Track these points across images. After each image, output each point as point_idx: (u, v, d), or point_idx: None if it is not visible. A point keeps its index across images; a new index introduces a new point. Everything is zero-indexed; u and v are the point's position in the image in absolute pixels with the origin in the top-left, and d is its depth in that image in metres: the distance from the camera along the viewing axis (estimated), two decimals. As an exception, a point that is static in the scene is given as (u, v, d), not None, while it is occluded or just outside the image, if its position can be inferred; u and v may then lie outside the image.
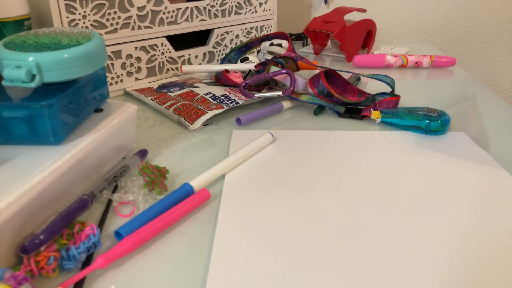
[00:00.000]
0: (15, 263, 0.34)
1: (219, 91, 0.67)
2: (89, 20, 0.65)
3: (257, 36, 0.92)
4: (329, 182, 0.46)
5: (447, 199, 0.43)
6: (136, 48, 0.72)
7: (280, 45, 0.80)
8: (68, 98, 0.40)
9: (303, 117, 0.64)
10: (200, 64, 0.83)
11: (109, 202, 0.42)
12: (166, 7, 0.73)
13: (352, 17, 1.19)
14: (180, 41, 0.80)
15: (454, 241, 0.37)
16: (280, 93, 0.64)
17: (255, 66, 0.73)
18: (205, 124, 0.60)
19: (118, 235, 0.37)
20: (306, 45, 1.08)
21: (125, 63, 0.71)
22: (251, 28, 0.91)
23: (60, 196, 0.39)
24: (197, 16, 0.79)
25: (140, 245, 0.36)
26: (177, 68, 0.79)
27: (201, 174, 0.45)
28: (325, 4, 1.20)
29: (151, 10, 0.72)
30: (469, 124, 0.61)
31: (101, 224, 0.39)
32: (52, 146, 0.40)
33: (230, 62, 0.85)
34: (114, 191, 0.44)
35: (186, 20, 0.77)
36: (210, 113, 0.59)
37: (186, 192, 0.42)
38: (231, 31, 0.86)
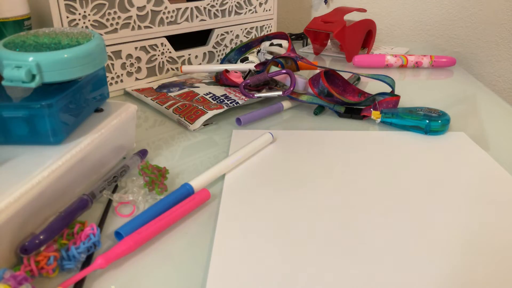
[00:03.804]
0: (15, 263, 0.34)
1: (219, 91, 0.67)
2: (89, 20, 0.65)
3: (257, 36, 0.92)
4: (329, 182, 0.46)
5: (447, 199, 0.43)
6: (136, 48, 0.72)
7: (280, 45, 0.80)
8: (68, 98, 0.40)
9: (303, 117, 0.64)
10: (200, 64, 0.83)
11: (109, 202, 0.42)
12: (166, 7, 0.73)
13: (352, 17, 1.19)
14: (180, 41, 0.80)
15: (454, 241, 0.37)
16: (280, 93, 0.64)
17: (255, 66, 0.73)
18: (205, 124, 0.60)
19: (118, 235, 0.37)
20: (306, 45, 1.08)
21: (125, 63, 0.71)
22: (251, 28, 0.91)
23: (60, 196, 0.39)
24: (197, 16, 0.79)
25: (140, 245, 0.36)
26: (177, 68, 0.79)
27: (201, 174, 0.45)
28: (325, 4, 1.20)
29: (151, 10, 0.72)
30: (469, 124, 0.61)
31: (101, 224, 0.39)
32: (52, 146, 0.40)
33: (230, 62, 0.84)
34: (114, 191, 0.44)
35: (186, 20, 0.77)
36: (210, 113, 0.59)
37: (186, 192, 0.42)
38: (231, 31, 0.86)
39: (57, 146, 0.40)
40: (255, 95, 0.64)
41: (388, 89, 0.76)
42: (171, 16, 0.75)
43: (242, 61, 0.80)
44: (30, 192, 0.34)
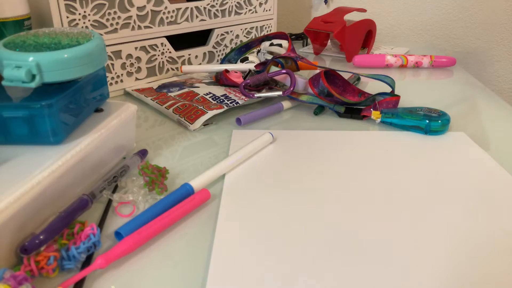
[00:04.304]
0: (15, 263, 0.34)
1: (219, 91, 0.67)
2: (89, 20, 0.65)
3: (257, 36, 0.92)
4: (329, 182, 0.46)
5: (447, 199, 0.43)
6: (136, 48, 0.72)
7: (280, 45, 0.80)
8: (68, 98, 0.40)
9: (303, 117, 0.64)
10: (200, 64, 0.83)
11: (109, 202, 0.42)
12: (166, 7, 0.73)
13: (352, 17, 1.19)
14: (180, 41, 0.80)
15: (454, 241, 0.37)
16: (280, 93, 0.64)
17: (255, 66, 0.73)
18: (205, 124, 0.60)
19: (118, 235, 0.37)
20: (306, 45, 1.08)
21: (125, 63, 0.71)
22: (251, 28, 0.91)
23: (60, 196, 0.39)
24: (197, 16, 0.79)
25: (140, 245, 0.36)
26: (177, 68, 0.79)
27: (201, 174, 0.45)
28: (325, 4, 1.20)
29: (151, 10, 0.72)
30: (469, 124, 0.61)
31: (101, 224, 0.39)
32: (52, 146, 0.40)
33: (230, 62, 0.84)
34: (114, 191, 0.44)
35: (186, 20, 0.77)
36: (210, 113, 0.59)
37: (186, 192, 0.42)
38: (231, 31, 0.86)
39: (57, 146, 0.40)
40: (255, 95, 0.64)
41: (388, 89, 0.76)
42: (171, 16, 0.75)
43: (242, 61, 0.80)
44: (30, 192, 0.34)
